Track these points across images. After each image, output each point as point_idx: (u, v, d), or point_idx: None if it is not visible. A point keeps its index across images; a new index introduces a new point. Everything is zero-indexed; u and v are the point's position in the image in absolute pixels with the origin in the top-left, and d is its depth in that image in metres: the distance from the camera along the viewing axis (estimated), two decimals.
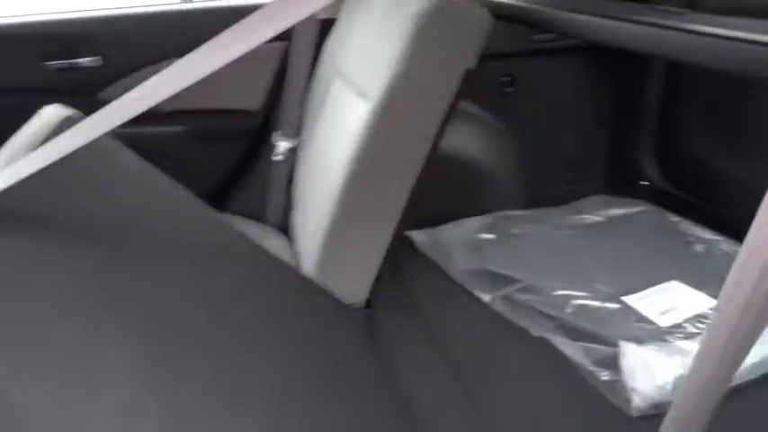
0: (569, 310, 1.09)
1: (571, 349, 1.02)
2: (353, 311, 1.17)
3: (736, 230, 1.34)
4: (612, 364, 0.96)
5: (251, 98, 1.55)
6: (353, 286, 1.17)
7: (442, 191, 1.36)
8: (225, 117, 1.54)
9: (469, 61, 1.05)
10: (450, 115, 1.10)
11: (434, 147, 1.11)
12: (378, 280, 1.18)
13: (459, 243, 1.35)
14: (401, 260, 1.31)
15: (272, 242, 1.37)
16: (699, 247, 1.32)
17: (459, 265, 1.28)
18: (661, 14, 0.95)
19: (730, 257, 1.26)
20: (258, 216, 1.53)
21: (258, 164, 1.57)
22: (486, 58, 1.06)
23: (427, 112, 1.08)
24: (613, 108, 1.68)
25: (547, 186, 1.73)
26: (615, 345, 0.99)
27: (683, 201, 1.53)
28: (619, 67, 1.63)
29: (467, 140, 1.51)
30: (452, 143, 1.23)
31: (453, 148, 1.40)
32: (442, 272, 1.30)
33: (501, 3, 1.16)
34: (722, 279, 1.21)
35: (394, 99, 1.02)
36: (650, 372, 0.92)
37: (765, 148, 1.36)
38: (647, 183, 1.63)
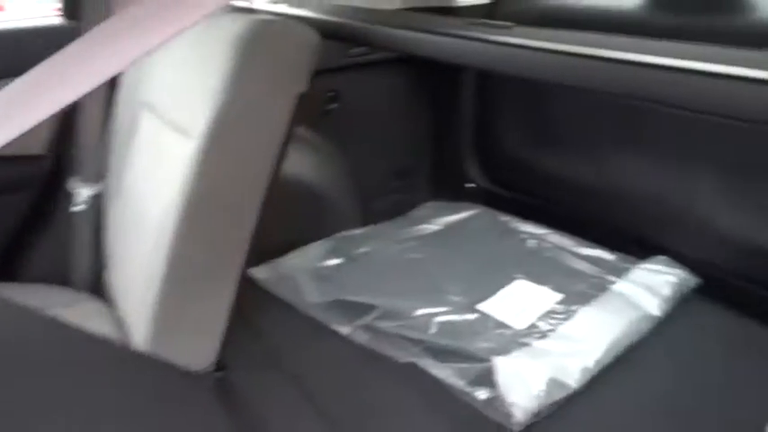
0: (432, 330, 1.07)
1: (442, 371, 1.00)
2: (201, 378, 1.03)
3: (558, 221, 1.46)
4: (487, 380, 0.96)
5: (33, 139, 1.30)
6: (197, 350, 1.03)
7: (279, 220, 1.27)
8: (1, 166, 1.28)
9: (300, 85, 0.97)
10: (287, 145, 1.01)
11: (274, 179, 1.01)
12: (226, 334, 1.05)
13: (306, 274, 1.27)
14: (246, 303, 1.19)
15: (84, 309, 1.16)
16: (531, 243, 1.39)
17: (311, 298, 1.20)
18: (486, 29, 0.96)
19: (560, 249, 1.37)
20: (62, 279, 1.29)
21: (53, 217, 1.33)
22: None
23: (261, 144, 0.98)
24: (434, 116, 1.72)
25: (379, 199, 1.72)
26: (484, 360, 0.98)
27: (508, 198, 1.62)
28: (434, 76, 1.67)
29: (298, 164, 1.43)
30: (284, 169, 1.15)
31: (286, 173, 1.32)
32: (293, 309, 1.21)
33: (325, 20, 1.10)
34: (558, 271, 1.28)
35: (221, 134, 0.90)
36: (525, 383, 0.92)
37: (571, 142, 1.48)
38: (473, 185, 1.69)
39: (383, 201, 1.73)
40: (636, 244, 1.37)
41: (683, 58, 0.71)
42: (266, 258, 1.33)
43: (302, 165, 1.46)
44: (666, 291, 1.18)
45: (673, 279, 1.21)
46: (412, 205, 1.63)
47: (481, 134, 1.66)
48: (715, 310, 1.18)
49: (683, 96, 0.72)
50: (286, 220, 1.37)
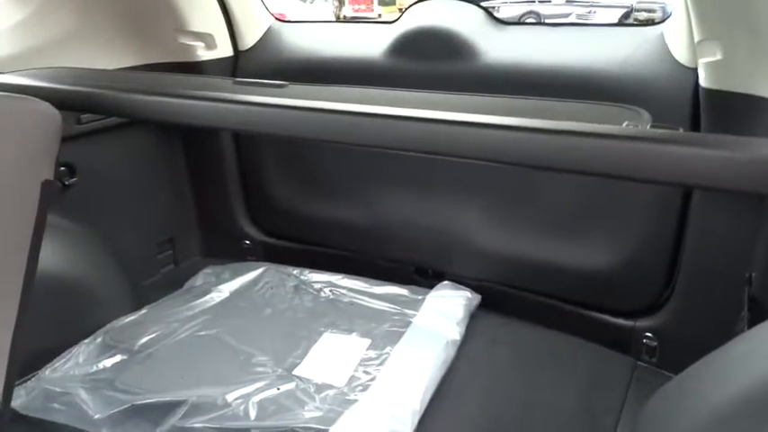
0: (253, 413, 0.97)
1: None
2: None
3: (341, 265, 1.46)
4: None
5: None
6: None
7: (31, 325, 1.04)
8: None
9: (47, 170, 0.81)
10: (40, 239, 0.83)
11: (29, 279, 0.82)
12: None
13: (79, 383, 1.05)
14: None
15: None
16: (326, 292, 1.36)
17: (93, 413, 1.00)
18: (258, 88, 0.91)
19: (354, 293, 1.36)
20: None
21: None
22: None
23: (10, 243, 0.79)
24: (193, 177, 1.60)
25: (148, 275, 1.53)
26: None
27: (287, 249, 1.57)
28: (187, 133, 1.55)
29: (42, 253, 1.19)
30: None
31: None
32: (73, 430, 0.99)
33: (64, 91, 0.94)
34: (360, 316, 1.27)
35: None
36: None
37: (339, 186, 1.50)
38: (247, 242, 1.61)
39: (153, 277, 1.54)
40: (417, 274, 1.44)
41: (430, 107, 0.75)
42: (23, 374, 1.08)
43: (47, 253, 1.22)
44: (459, 313, 1.26)
45: (461, 301, 1.29)
46: (186, 276, 1.48)
47: (249, 188, 1.59)
48: (499, 322, 1.30)
49: (431, 145, 0.75)
50: (38, 324, 1.13)
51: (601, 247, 1.22)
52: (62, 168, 1.31)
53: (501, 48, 1.26)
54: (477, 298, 1.33)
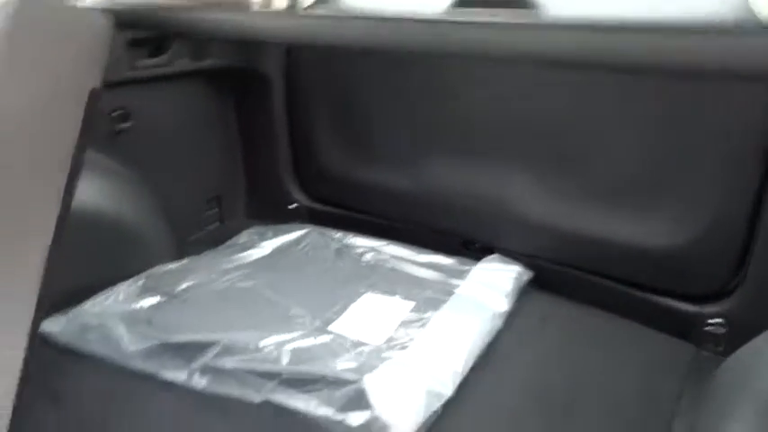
0: (285, 359, 0.93)
1: (304, 403, 0.87)
2: None
3: (385, 232, 1.42)
4: (358, 403, 0.84)
5: None
6: None
7: (73, 260, 1.03)
8: None
9: (94, 79, 0.79)
10: (82, 156, 0.81)
11: (67, 200, 0.80)
12: (18, 404, 0.80)
13: (117, 318, 1.04)
14: (41, 365, 0.94)
15: None
16: (369, 256, 1.32)
17: (128, 346, 0.98)
18: None
19: (398, 259, 1.32)
20: None
21: None
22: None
23: (47, 155, 0.78)
24: (244, 135, 1.59)
25: (193, 231, 1.52)
26: (351, 382, 0.87)
27: (332, 215, 1.54)
28: (240, 92, 1.54)
29: (93, 191, 1.19)
30: (76, 196, 0.94)
31: (77, 201, 1.08)
32: (105, 363, 0.98)
33: (130, 8, 0.92)
34: (403, 281, 1.22)
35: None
36: (401, 399, 0.83)
37: (388, 152, 1.46)
38: (294, 205, 1.58)
39: (197, 232, 1.54)
40: (464, 247, 1.38)
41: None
42: (60, 308, 1.07)
43: (97, 193, 1.22)
44: (507, 286, 1.19)
45: (511, 275, 1.22)
46: (231, 233, 1.47)
47: (297, 151, 1.57)
48: (551, 300, 1.22)
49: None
50: (82, 260, 1.13)
51: (666, 223, 1.13)
52: (116, 113, 1.32)
53: None
54: (528, 274, 1.26)
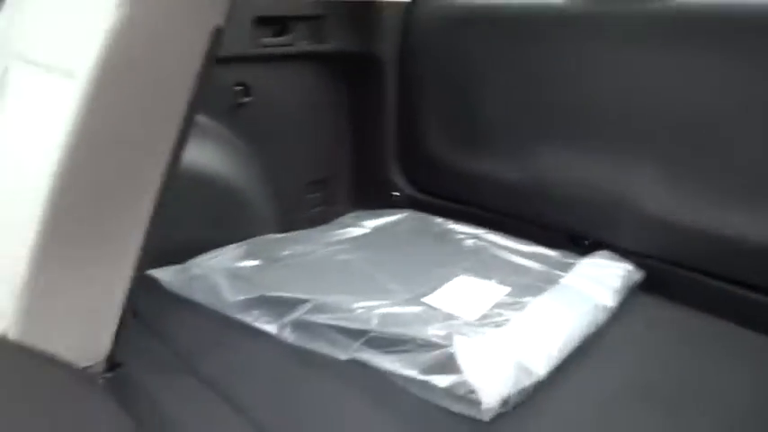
0: (375, 320, 0.92)
1: (390, 363, 0.85)
2: (90, 377, 0.81)
3: (489, 225, 1.38)
4: (444, 367, 0.81)
5: None
6: (84, 344, 0.82)
7: (186, 218, 1.09)
8: None
9: (218, 16, 0.81)
10: (199, 98, 0.84)
11: (182, 140, 0.84)
12: (122, 332, 0.85)
13: (221, 273, 1.08)
14: (149, 306, 0.99)
15: None
16: (470, 242, 1.29)
17: (228, 296, 1.02)
18: None
19: (499, 247, 1.28)
20: None
21: None
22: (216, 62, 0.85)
23: (166, 89, 0.80)
24: (354, 121, 1.61)
25: (296, 211, 1.57)
26: (440, 346, 0.84)
27: (435, 205, 1.52)
28: (354, 77, 1.57)
29: (209, 157, 1.27)
30: (194, 159, 0.99)
31: (195, 164, 1.15)
32: (206, 310, 1.02)
33: None
34: (502, 267, 1.17)
35: (116, 75, 0.72)
36: (491, 366, 0.80)
37: (496, 142, 1.42)
38: (397, 194, 1.59)
39: (301, 213, 1.58)
40: (571, 243, 1.31)
41: None
42: (172, 261, 1.14)
43: (215, 158, 1.29)
44: (616, 283, 1.11)
45: (620, 272, 1.14)
46: (333, 217, 1.49)
47: (405, 139, 1.57)
48: (663, 303, 1.13)
49: None
50: (193, 219, 1.19)
51: None
52: (238, 87, 1.39)
53: None
54: (639, 274, 1.17)
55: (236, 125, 1.37)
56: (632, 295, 1.13)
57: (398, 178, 1.60)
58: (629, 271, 1.16)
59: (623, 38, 1.17)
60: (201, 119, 1.18)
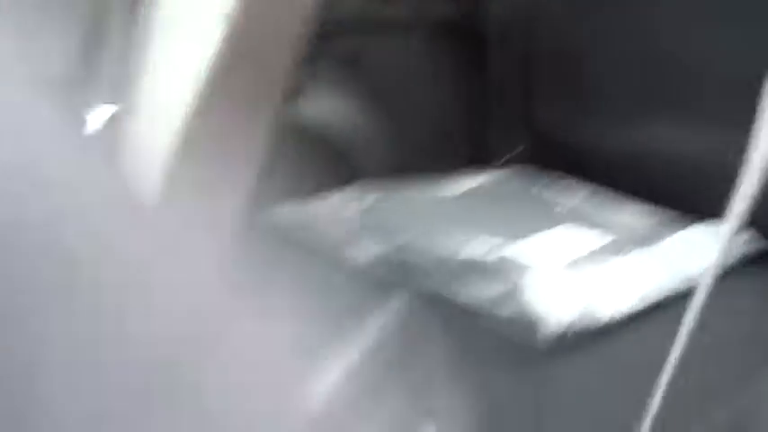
0: (445, 253, 0.96)
1: (456, 291, 0.89)
2: None
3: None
4: (510, 297, 0.84)
5: None
6: None
7: (294, 161, 1.19)
8: None
9: None
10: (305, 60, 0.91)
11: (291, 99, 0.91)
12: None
13: (328, 215, 1.18)
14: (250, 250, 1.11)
15: None
16: (570, 201, 1.27)
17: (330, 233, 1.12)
18: None
19: (602, 207, 1.25)
20: None
21: None
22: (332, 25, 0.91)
23: (278, 41, 0.88)
24: (458, 92, 1.62)
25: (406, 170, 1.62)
26: (507, 278, 0.87)
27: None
28: (464, 44, 1.58)
29: (318, 104, 1.37)
30: (303, 106, 1.08)
31: (304, 110, 1.25)
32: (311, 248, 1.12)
33: None
34: (606, 223, 1.14)
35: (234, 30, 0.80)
36: (556, 300, 0.81)
37: (609, 113, 1.38)
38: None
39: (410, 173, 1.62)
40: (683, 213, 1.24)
41: None
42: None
43: (324, 106, 1.38)
44: (723, 251, 1.04)
45: (730, 243, 1.06)
46: None
47: (510, 111, 1.55)
48: None
49: None
50: (306, 165, 1.29)
51: None
52: (353, 50, 1.47)
53: None
54: (756, 244, 1.08)
55: (346, 83, 1.44)
56: (746, 266, 1.06)
57: (503, 151, 1.58)
58: (744, 239, 1.08)
59: None
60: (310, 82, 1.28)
